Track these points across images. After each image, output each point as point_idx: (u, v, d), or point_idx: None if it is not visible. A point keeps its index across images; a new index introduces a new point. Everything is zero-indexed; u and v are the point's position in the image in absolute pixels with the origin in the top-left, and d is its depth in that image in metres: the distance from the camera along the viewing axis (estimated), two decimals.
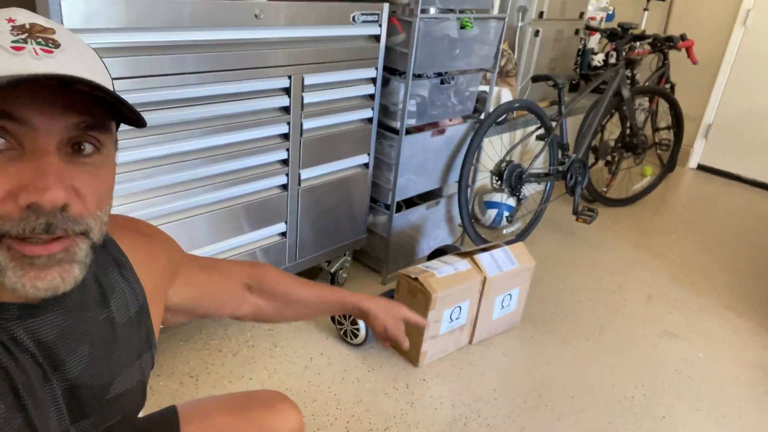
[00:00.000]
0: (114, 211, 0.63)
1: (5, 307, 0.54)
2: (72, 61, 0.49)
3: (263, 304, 0.97)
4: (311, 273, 2.17)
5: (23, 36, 0.47)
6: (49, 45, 0.48)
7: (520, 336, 2.02)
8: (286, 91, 1.65)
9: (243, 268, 0.95)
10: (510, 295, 1.95)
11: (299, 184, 1.81)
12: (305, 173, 1.81)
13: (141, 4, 1.26)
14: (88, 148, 0.52)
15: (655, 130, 3.41)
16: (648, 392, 1.81)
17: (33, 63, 0.47)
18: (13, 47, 0.46)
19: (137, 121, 0.54)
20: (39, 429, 0.56)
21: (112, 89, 0.50)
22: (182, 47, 1.37)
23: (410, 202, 2.43)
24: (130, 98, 1.31)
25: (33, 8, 1.13)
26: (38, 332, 0.57)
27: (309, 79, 1.68)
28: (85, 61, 0.51)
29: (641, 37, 2.90)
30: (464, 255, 1.91)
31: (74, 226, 0.50)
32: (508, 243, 2.00)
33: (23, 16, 0.50)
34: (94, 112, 0.51)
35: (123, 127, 0.60)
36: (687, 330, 2.16)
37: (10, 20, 0.48)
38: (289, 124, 1.69)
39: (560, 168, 2.63)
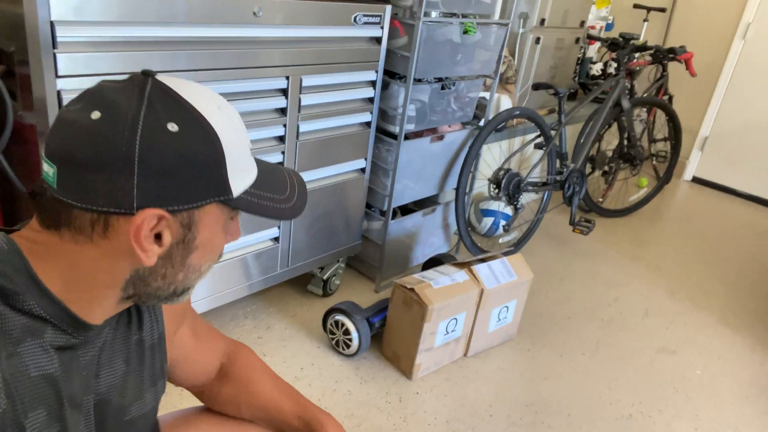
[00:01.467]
0: None
1: (86, 327, 0.60)
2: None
3: (224, 388, 0.91)
4: (304, 279, 2.11)
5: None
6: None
7: (516, 349, 1.97)
8: (284, 92, 1.59)
9: (225, 343, 0.93)
10: (507, 307, 1.90)
11: None
12: None
13: None
14: None
15: (652, 141, 3.39)
16: (645, 410, 1.77)
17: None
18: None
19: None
20: None
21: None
22: (176, 43, 1.31)
23: (405, 209, 2.38)
24: None
25: None
26: (90, 345, 0.62)
27: (307, 81, 1.63)
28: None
29: (643, 47, 2.88)
30: (461, 265, 1.86)
31: None
32: (507, 254, 1.95)
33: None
34: None
35: None
36: (684, 346, 2.12)
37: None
38: (285, 126, 1.63)
39: (558, 177, 2.59)
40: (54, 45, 1.11)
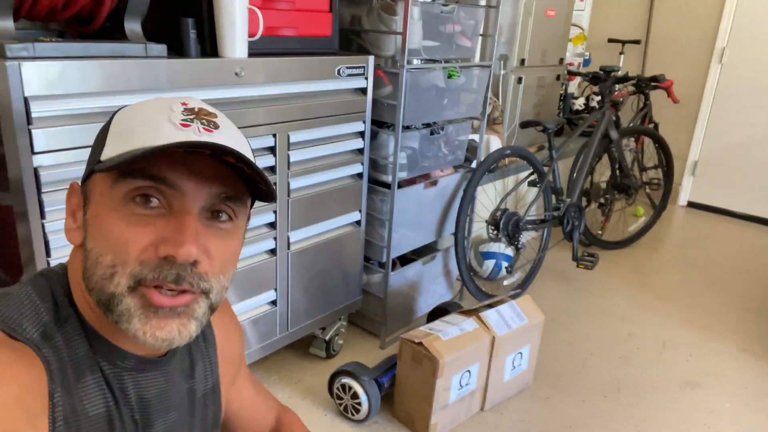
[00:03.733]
0: None
1: (125, 356, 0.59)
2: (226, 139, 0.56)
3: None
4: (305, 342, 2.02)
5: (191, 117, 0.56)
6: (211, 126, 0.56)
7: (534, 397, 1.86)
8: (271, 150, 1.55)
9: (278, 403, 0.92)
10: (521, 353, 1.81)
11: (288, 248, 1.68)
12: (294, 236, 1.69)
13: (113, 66, 1.16)
14: (223, 215, 0.57)
15: (643, 169, 3.38)
16: None
17: (194, 137, 0.54)
18: (181, 124, 0.54)
19: (269, 197, 0.59)
20: None
21: (255, 165, 0.56)
22: None
23: (403, 259, 2.31)
24: None
25: None
26: (143, 387, 0.61)
27: (295, 137, 1.59)
28: (236, 142, 0.57)
29: (624, 78, 2.90)
30: (468, 313, 1.78)
31: (199, 282, 0.55)
32: (514, 297, 1.88)
33: (194, 102, 0.58)
34: (234, 186, 0.57)
35: None
36: (707, 378, 2.03)
37: (183, 104, 0.57)
38: (275, 184, 1.58)
39: (556, 213, 2.55)
40: (29, 121, 1.06)
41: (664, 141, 3.18)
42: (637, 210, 3.62)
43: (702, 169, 3.89)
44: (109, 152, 0.54)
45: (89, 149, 0.54)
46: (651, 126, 3.38)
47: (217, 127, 0.56)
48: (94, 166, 0.55)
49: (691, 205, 3.98)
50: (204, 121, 0.56)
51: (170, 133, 0.53)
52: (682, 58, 3.84)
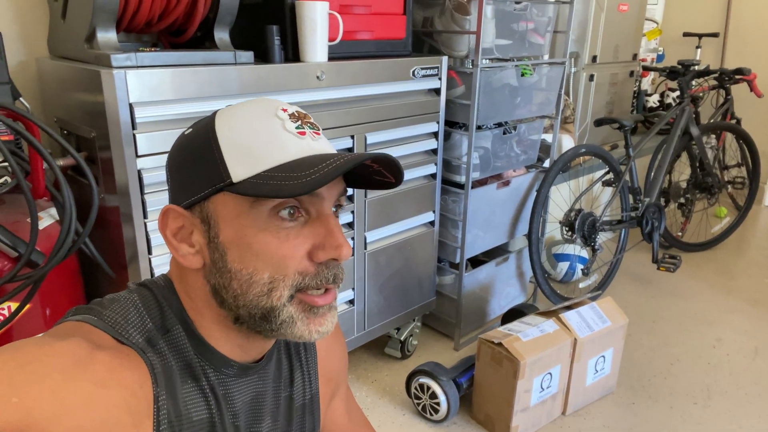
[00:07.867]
0: None
1: (230, 363, 0.60)
2: (328, 140, 0.59)
3: None
4: (379, 343, 2.03)
5: (299, 123, 0.57)
6: (315, 128, 0.58)
7: (618, 403, 1.80)
8: (349, 151, 1.58)
9: None
10: (603, 357, 1.75)
11: (365, 248, 1.70)
12: (371, 236, 1.71)
13: (207, 74, 1.22)
14: (340, 209, 0.60)
15: (724, 168, 3.20)
16: None
17: (315, 144, 0.57)
18: (298, 132, 0.56)
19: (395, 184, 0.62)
20: None
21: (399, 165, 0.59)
22: None
23: (474, 260, 2.29)
24: None
25: (99, 83, 1.11)
26: (244, 393, 0.62)
27: (372, 138, 1.61)
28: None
29: (705, 72, 2.77)
30: (548, 314, 1.74)
31: (342, 275, 0.59)
32: (594, 298, 1.82)
33: (290, 107, 0.59)
34: (345, 181, 0.61)
35: None
36: None
37: (284, 110, 0.57)
38: None
39: (634, 214, 2.46)
40: (134, 126, 1.13)
41: (750, 137, 3.00)
42: (719, 210, 3.43)
43: None
44: (241, 172, 0.53)
45: None
46: (733, 122, 3.20)
47: (318, 129, 0.58)
48: (219, 185, 0.53)
49: None
50: (309, 124, 0.57)
51: (295, 144, 0.55)
52: (765, 49, 3.62)
